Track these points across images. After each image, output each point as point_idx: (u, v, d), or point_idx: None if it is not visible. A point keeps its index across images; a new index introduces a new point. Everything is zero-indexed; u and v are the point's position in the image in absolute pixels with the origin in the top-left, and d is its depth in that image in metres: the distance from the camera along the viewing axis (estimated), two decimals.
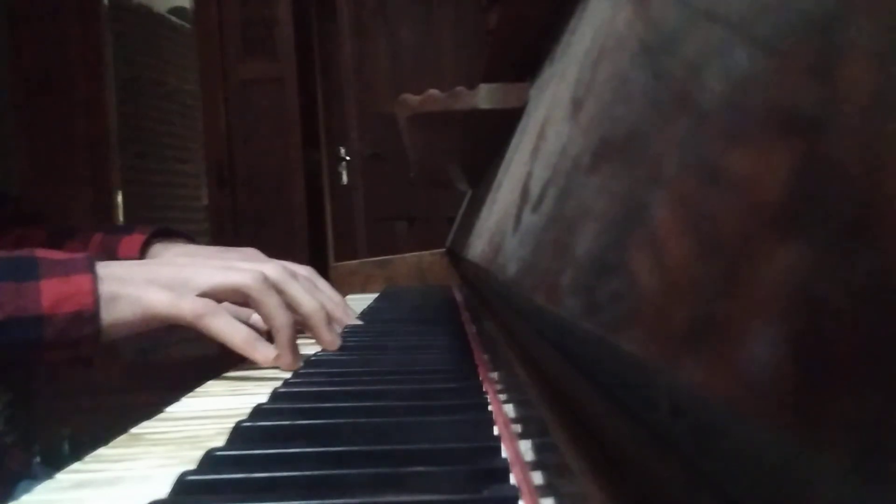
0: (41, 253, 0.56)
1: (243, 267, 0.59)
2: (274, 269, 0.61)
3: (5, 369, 0.58)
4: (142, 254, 0.76)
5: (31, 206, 0.85)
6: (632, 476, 0.18)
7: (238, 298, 0.59)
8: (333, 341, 0.62)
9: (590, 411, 0.21)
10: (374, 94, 2.83)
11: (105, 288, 0.55)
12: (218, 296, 0.57)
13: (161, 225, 0.80)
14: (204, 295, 0.56)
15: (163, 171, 3.03)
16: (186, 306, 0.55)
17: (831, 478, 0.09)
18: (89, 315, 0.54)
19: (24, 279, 0.54)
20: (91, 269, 0.55)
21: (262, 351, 0.56)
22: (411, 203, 2.76)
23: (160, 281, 0.56)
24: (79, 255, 0.57)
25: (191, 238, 0.83)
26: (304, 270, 0.73)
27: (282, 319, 0.57)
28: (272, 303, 0.58)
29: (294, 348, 0.58)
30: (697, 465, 0.13)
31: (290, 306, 0.60)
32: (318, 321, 0.61)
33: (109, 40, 2.70)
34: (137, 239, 0.77)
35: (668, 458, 0.15)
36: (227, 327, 0.55)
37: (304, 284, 0.63)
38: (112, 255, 0.75)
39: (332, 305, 0.73)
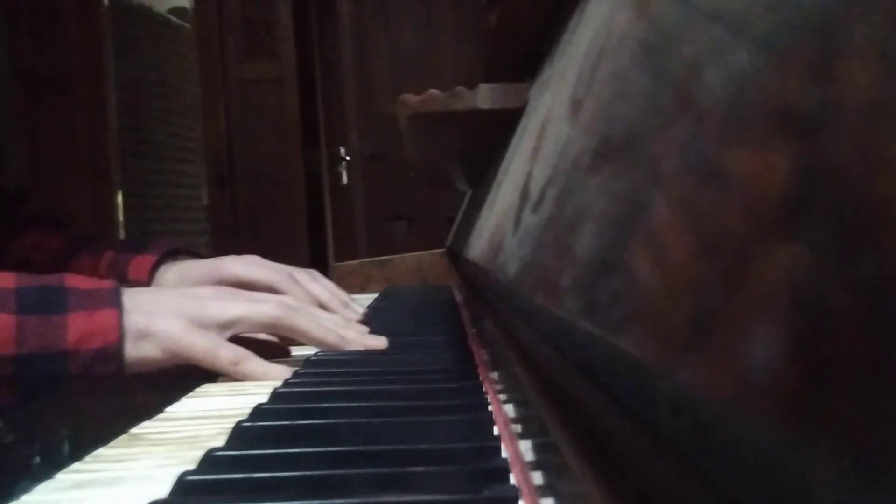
0: (70, 282, 0.56)
1: (268, 299, 0.61)
2: (295, 300, 0.62)
3: (22, 399, 0.58)
4: (150, 276, 0.76)
5: (40, 206, 0.83)
6: (632, 476, 0.18)
7: (266, 331, 0.60)
8: (371, 343, 0.63)
9: (590, 411, 0.21)
10: (374, 94, 2.83)
11: (133, 323, 0.55)
12: (247, 329, 0.58)
13: (169, 244, 0.81)
14: (226, 326, 0.57)
15: (163, 171, 3.03)
16: (224, 355, 0.55)
17: (831, 478, 0.09)
18: (113, 351, 0.54)
19: (52, 312, 0.54)
20: (117, 304, 0.55)
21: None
22: (411, 203, 2.76)
23: (188, 315, 0.56)
24: (105, 286, 0.57)
25: (196, 254, 0.83)
26: (305, 273, 0.73)
27: (319, 329, 0.59)
28: (303, 321, 0.59)
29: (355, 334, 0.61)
30: (697, 465, 0.13)
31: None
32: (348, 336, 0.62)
33: (109, 40, 2.70)
34: (148, 260, 0.77)
35: (668, 458, 0.15)
36: (261, 368, 0.56)
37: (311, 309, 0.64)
38: (122, 277, 0.75)
39: (337, 304, 0.74)
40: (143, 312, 0.56)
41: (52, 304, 0.55)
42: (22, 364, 0.53)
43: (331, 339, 0.60)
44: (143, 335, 0.55)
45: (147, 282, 0.76)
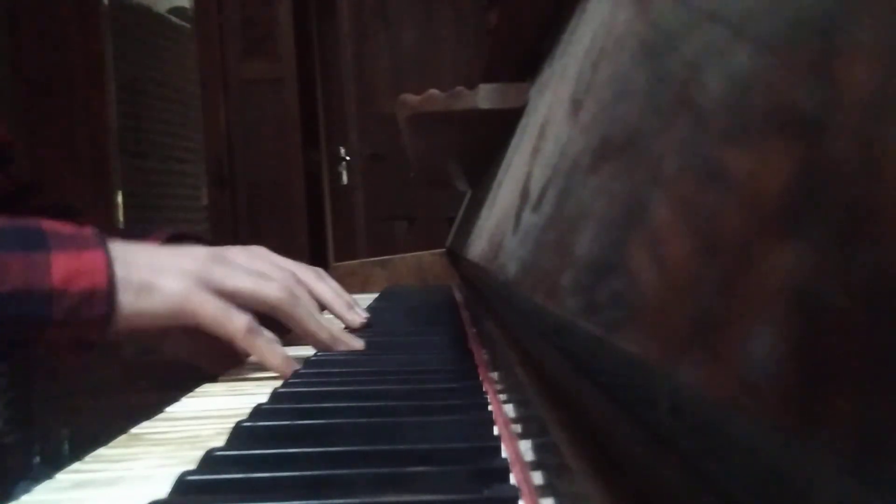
0: (47, 225, 0.52)
1: (274, 277, 0.57)
2: (291, 273, 0.60)
3: (6, 348, 0.55)
4: None
5: (58, 200, 0.81)
6: (632, 476, 0.18)
7: (264, 311, 0.56)
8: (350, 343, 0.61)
9: (590, 411, 0.21)
10: (374, 94, 2.83)
11: (133, 275, 0.52)
12: (245, 303, 0.55)
13: (176, 229, 0.79)
14: (228, 296, 0.54)
15: (163, 171, 3.03)
16: (238, 321, 0.52)
17: (831, 478, 0.09)
18: (102, 294, 0.50)
19: (34, 249, 0.50)
20: (102, 246, 0.52)
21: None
22: (411, 203, 2.76)
23: (191, 275, 0.53)
24: (87, 230, 0.53)
25: (205, 241, 0.81)
26: (312, 271, 0.72)
27: (315, 323, 0.58)
28: (302, 312, 0.57)
29: (347, 335, 0.59)
30: (697, 465, 0.13)
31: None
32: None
33: (109, 40, 2.70)
34: (153, 243, 0.76)
35: (668, 458, 0.15)
36: (270, 350, 0.53)
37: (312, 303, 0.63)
38: None
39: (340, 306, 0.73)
40: (141, 266, 0.52)
41: (31, 242, 0.50)
42: (2, 304, 0.49)
43: (324, 335, 0.58)
44: (143, 287, 0.52)
45: None
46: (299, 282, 0.67)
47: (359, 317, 0.74)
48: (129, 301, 0.51)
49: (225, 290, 0.53)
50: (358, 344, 0.60)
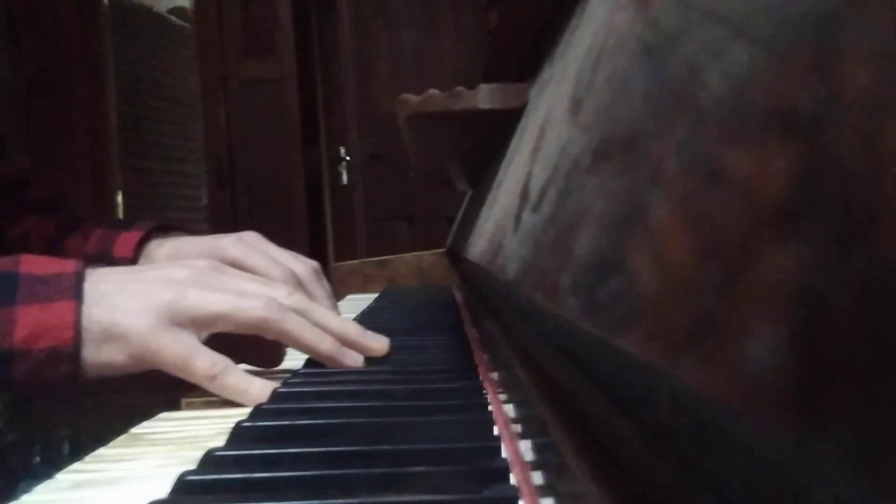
0: (25, 266, 0.49)
1: (255, 293, 0.52)
2: (287, 292, 0.55)
3: None
4: (136, 251, 0.70)
5: (43, 194, 0.80)
6: (632, 476, 0.18)
7: (251, 332, 0.52)
8: (372, 345, 0.56)
9: (590, 411, 0.21)
10: (374, 94, 2.83)
11: (94, 320, 0.48)
12: (225, 327, 0.51)
13: (159, 221, 0.76)
14: (204, 323, 0.50)
15: (163, 171, 3.03)
16: (198, 366, 0.48)
17: (831, 478, 0.09)
18: (68, 352, 0.47)
19: (1, 303, 0.47)
20: (77, 294, 0.48)
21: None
22: (411, 203, 2.77)
23: (160, 310, 0.49)
24: (67, 269, 0.50)
25: (189, 231, 0.78)
26: (307, 267, 0.68)
27: (313, 335, 0.52)
28: (293, 325, 0.51)
29: (344, 349, 0.54)
30: (697, 465, 0.13)
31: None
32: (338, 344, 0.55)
33: (109, 40, 2.70)
34: (133, 236, 0.71)
35: (668, 458, 0.15)
36: (241, 384, 0.49)
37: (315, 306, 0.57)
38: (108, 253, 0.71)
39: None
40: (107, 306, 0.48)
41: (1, 292, 0.48)
42: None
43: (325, 346, 0.52)
44: (106, 336, 0.48)
45: (132, 258, 0.70)
46: (297, 286, 0.63)
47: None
48: (92, 354, 0.48)
49: (199, 317, 0.49)
50: (377, 344, 0.55)
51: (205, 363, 0.48)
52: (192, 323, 0.49)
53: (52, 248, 0.73)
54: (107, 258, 0.70)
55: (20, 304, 0.47)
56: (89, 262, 0.52)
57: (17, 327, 0.47)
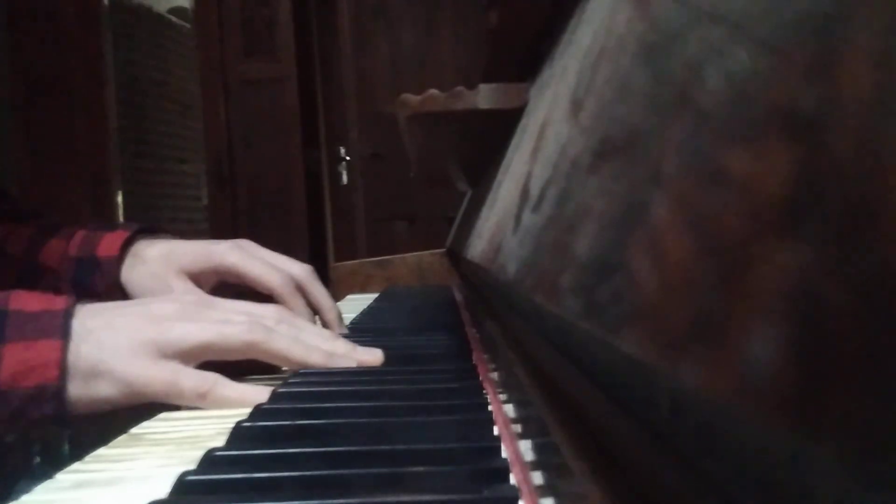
0: (15, 303, 0.50)
1: (237, 319, 0.52)
2: (273, 311, 0.55)
3: None
4: (122, 251, 0.69)
5: (28, 204, 0.80)
6: (632, 476, 0.18)
7: (239, 357, 0.52)
8: (363, 358, 0.56)
9: (590, 411, 0.21)
10: (374, 94, 2.83)
11: (82, 358, 0.48)
12: (214, 356, 0.51)
13: (145, 223, 0.75)
14: (189, 355, 0.50)
15: (163, 171, 3.03)
16: (187, 386, 0.48)
17: (831, 478, 0.09)
18: (53, 391, 0.47)
19: None
20: (63, 332, 0.48)
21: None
22: (411, 203, 2.77)
23: (146, 345, 0.49)
24: (57, 307, 0.50)
25: (170, 233, 0.77)
26: (304, 269, 0.68)
27: (301, 350, 0.52)
28: (281, 344, 0.52)
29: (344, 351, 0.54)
30: (697, 465, 0.13)
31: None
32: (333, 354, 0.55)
33: (109, 40, 2.70)
34: (119, 236, 0.70)
35: (668, 458, 0.15)
36: (235, 393, 0.49)
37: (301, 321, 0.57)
38: (91, 254, 0.70)
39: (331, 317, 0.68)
40: (94, 342, 0.49)
41: None
42: None
43: (314, 358, 0.52)
44: (94, 373, 0.48)
45: (118, 256, 0.69)
46: (295, 293, 0.62)
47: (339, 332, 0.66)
48: (81, 391, 0.48)
49: (185, 349, 0.50)
50: (368, 357, 0.55)
51: (192, 382, 0.49)
52: (178, 355, 0.50)
53: (32, 252, 0.72)
54: (91, 259, 0.70)
55: (8, 342, 0.48)
56: (76, 274, 0.52)
57: (4, 365, 0.47)
